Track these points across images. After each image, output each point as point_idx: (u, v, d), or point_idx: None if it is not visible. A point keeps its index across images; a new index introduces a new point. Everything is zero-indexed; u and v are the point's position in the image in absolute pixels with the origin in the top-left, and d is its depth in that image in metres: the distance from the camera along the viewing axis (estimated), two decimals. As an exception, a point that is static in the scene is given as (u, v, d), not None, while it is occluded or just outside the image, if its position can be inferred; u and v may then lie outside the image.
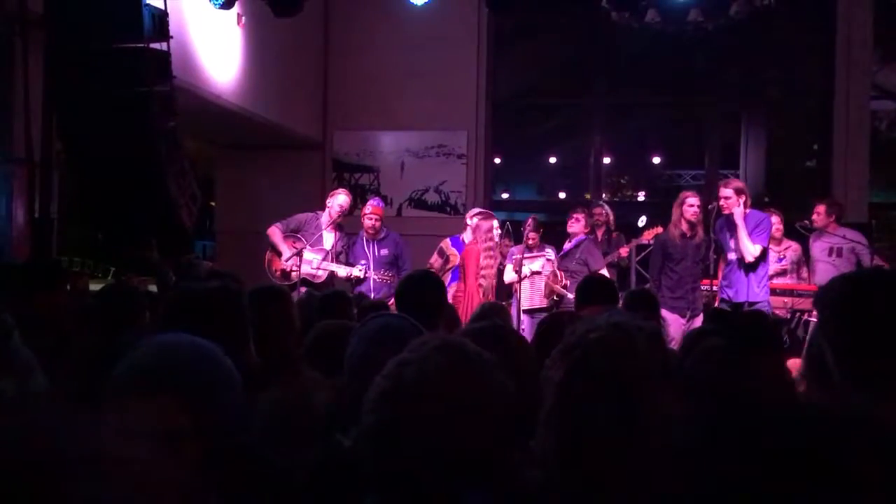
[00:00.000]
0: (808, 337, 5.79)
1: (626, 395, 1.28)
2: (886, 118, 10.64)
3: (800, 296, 6.64)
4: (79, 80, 4.79)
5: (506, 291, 6.87)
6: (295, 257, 6.43)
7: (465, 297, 6.40)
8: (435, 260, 7.01)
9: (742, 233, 5.84)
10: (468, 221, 6.88)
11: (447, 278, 6.89)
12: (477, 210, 7.07)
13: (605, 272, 6.64)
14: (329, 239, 6.59)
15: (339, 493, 1.71)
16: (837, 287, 1.50)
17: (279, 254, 6.50)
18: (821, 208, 7.09)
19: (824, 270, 6.88)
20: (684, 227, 6.21)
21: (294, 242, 6.51)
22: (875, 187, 9.39)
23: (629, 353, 1.30)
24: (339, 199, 6.62)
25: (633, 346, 1.31)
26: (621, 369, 1.29)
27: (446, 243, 7.12)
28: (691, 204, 6.20)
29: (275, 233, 6.53)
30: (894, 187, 11.01)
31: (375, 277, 6.46)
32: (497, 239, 6.63)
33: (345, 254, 6.70)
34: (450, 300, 6.52)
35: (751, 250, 5.86)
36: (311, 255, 6.47)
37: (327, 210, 6.62)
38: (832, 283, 1.55)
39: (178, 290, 2.41)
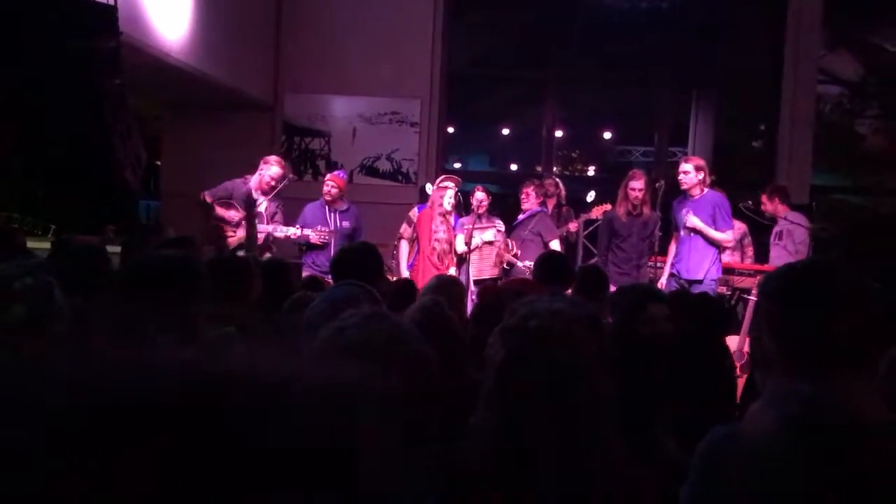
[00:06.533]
0: (747, 318, 5.94)
1: (561, 380, 1.34)
2: (831, 102, 10.88)
3: (740, 274, 6.81)
4: (20, 33, 4.61)
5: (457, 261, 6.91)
6: (238, 227, 6.33)
7: (420, 263, 6.47)
8: (404, 230, 7.01)
9: (710, 233, 6.05)
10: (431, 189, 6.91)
11: (416, 246, 6.93)
12: (442, 177, 7.08)
13: (556, 243, 6.75)
14: (262, 204, 6.50)
15: None
16: (778, 276, 1.55)
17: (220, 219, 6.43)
18: (763, 197, 7.16)
19: (774, 255, 7.06)
20: (629, 205, 6.35)
21: (227, 209, 6.43)
22: (817, 170, 9.65)
23: (566, 341, 1.36)
24: (272, 171, 6.43)
25: (571, 334, 1.36)
26: (558, 356, 1.35)
27: (413, 212, 7.12)
28: (633, 188, 6.35)
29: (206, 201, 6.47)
30: (837, 170, 11.32)
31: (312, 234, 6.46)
32: (448, 206, 6.68)
33: (280, 213, 6.57)
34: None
35: (726, 238, 6.21)
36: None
37: (258, 176, 6.45)
38: (775, 272, 1.59)
39: (138, 258, 2.36)
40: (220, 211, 6.38)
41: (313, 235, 6.41)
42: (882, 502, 1.36)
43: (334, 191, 6.70)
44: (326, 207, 6.72)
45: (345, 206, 6.78)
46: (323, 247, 6.48)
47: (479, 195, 6.82)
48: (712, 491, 1.50)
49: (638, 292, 1.94)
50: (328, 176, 6.97)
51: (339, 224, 6.66)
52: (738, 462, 1.44)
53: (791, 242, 6.96)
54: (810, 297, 1.46)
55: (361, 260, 3.37)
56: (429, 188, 6.95)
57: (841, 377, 1.41)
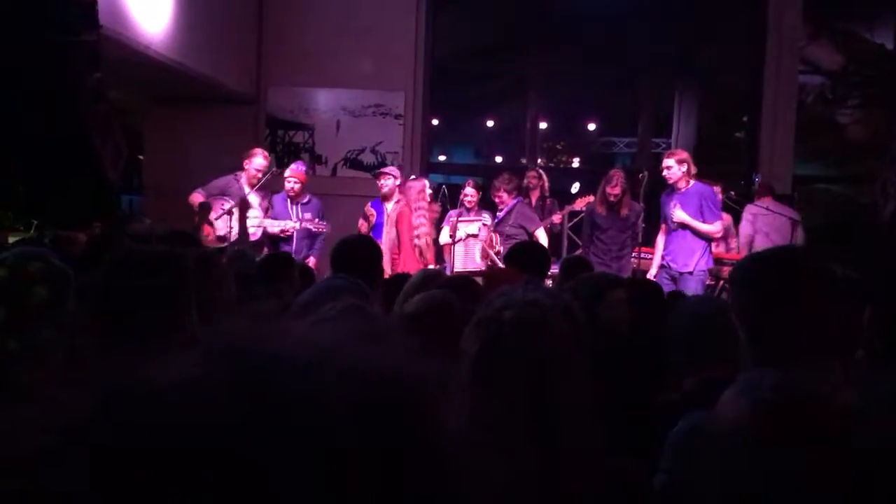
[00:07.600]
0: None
1: (538, 371, 1.33)
2: (813, 92, 10.95)
3: (723, 264, 6.86)
4: (-2, 27, 4.57)
5: (440, 254, 6.93)
6: (225, 216, 6.36)
7: (401, 259, 6.48)
8: (361, 224, 7.04)
9: (696, 226, 6.08)
10: (384, 181, 6.88)
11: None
12: (380, 172, 7.12)
13: (541, 232, 6.77)
14: (255, 199, 6.58)
15: None
16: (745, 266, 1.56)
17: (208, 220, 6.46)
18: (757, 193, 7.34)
19: (758, 242, 7.15)
20: (607, 202, 6.46)
21: (223, 203, 6.47)
22: (799, 160, 9.71)
23: (542, 331, 1.35)
24: (256, 163, 6.58)
25: (547, 323, 1.36)
26: (534, 347, 1.34)
27: (367, 206, 7.14)
28: (609, 193, 6.48)
29: (197, 199, 6.47)
30: (819, 159, 11.39)
31: (310, 226, 6.56)
32: (428, 200, 6.70)
33: (272, 209, 6.76)
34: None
35: (714, 230, 6.23)
36: (250, 213, 6.50)
37: (245, 172, 6.58)
38: (741, 261, 1.61)
39: (124, 251, 2.32)
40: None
41: (317, 225, 6.50)
42: (853, 487, 1.38)
43: (297, 186, 6.77)
44: (289, 200, 6.78)
45: (306, 199, 6.86)
46: (287, 239, 6.58)
47: (469, 190, 6.82)
48: (686, 478, 1.52)
49: (597, 280, 1.95)
50: (288, 172, 6.88)
51: (300, 216, 6.71)
52: (710, 449, 1.46)
53: (765, 229, 7.08)
54: (773, 285, 1.47)
55: (358, 252, 3.41)
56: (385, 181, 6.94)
57: (810, 364, 1.42)
